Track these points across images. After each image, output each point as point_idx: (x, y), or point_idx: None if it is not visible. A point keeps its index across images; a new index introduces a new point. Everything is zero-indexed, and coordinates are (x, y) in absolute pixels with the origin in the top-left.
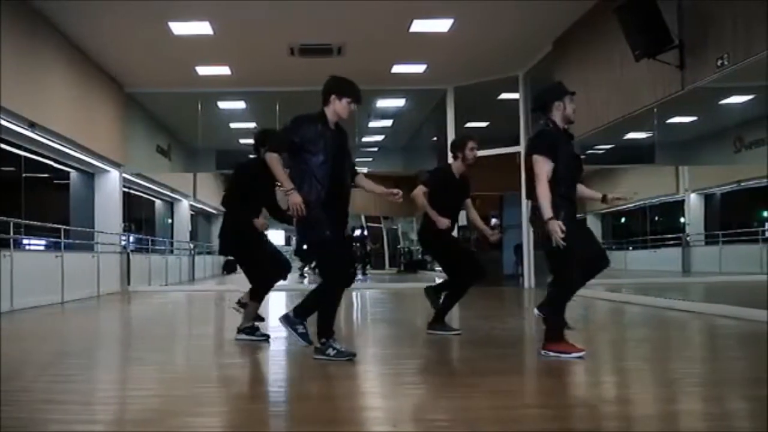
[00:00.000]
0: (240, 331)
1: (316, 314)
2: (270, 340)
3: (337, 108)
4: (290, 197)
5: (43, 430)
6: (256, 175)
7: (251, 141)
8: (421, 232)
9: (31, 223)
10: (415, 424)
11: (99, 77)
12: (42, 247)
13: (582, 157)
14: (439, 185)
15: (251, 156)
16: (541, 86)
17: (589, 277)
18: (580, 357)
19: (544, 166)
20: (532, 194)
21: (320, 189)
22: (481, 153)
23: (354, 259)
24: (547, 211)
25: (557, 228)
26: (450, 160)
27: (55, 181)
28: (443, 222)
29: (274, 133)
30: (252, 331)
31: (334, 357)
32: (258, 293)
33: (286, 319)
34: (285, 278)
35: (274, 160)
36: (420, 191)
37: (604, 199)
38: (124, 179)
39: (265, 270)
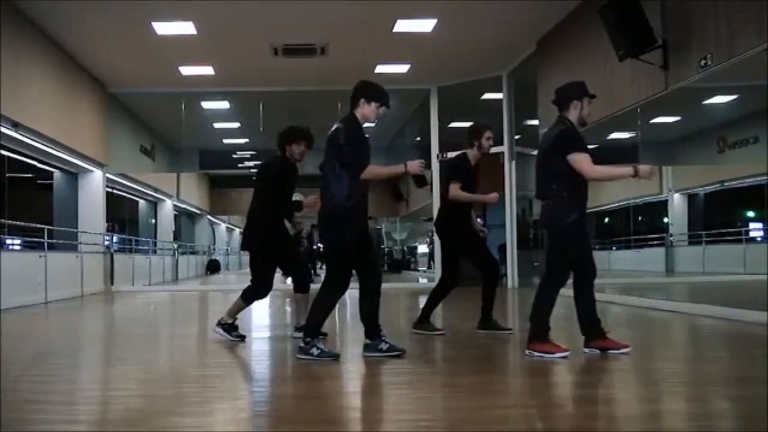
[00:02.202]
0: (219, 324)
1: (308, 312)
2: (246, 340)
3: (366, 112)
4: (410, 167)
5: (26, 430)
6: (280, 174)
7: (234, 141)
8: (444, 223)
9: (15, 222)
10: (398, 424)
11: (82, 77)
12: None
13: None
14: (463, 176)
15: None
16: (561, 84)
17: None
18: (564, 357)
19: (585, 161)
20: (544, 194)
21: (358, 194)
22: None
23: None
24: (622, 170)
25: (648, 169)
26: (435, 155)
27: (38, 181)
28: (493, 196)
29: (350, 154)
30: (230, 329)
31: (318, 357)
32: (248, 294)
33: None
34: (303, 291)
35: (371, 171)
36: (457, 189)
37: (635, 173)
38: (108, 179)
39: (264, 282)
